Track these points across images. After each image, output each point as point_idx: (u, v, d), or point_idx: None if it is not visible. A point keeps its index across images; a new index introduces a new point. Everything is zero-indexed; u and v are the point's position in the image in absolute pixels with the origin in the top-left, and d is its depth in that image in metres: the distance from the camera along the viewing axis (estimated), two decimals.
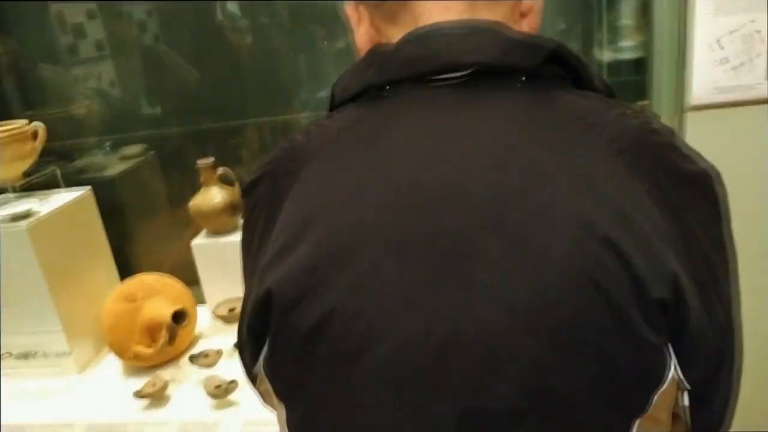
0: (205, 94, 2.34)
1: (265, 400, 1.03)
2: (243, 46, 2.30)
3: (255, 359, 0.75)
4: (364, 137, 0.71)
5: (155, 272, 2.07)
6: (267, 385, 0.77)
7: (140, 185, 2.46)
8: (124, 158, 2.48)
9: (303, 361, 0.66)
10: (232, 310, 1.97)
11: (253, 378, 0.87)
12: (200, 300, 2.13)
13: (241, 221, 2.12)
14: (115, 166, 2.43)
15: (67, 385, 1.86)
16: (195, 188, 2.51)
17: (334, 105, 0.80)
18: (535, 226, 0.60)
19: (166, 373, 1.94)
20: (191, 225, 2.51)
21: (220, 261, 2.04)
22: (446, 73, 0.69)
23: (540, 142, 0.65)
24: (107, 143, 2.46)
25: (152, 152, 2.48)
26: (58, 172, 2.11)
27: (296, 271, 0.65)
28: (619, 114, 0.67)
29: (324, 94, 2.30)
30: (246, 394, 1.74)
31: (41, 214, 1.88)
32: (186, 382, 1.87)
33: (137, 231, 2.48)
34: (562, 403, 0.59)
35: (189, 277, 2.15)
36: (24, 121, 1.99)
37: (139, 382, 1.89)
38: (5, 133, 1.91)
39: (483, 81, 0.69)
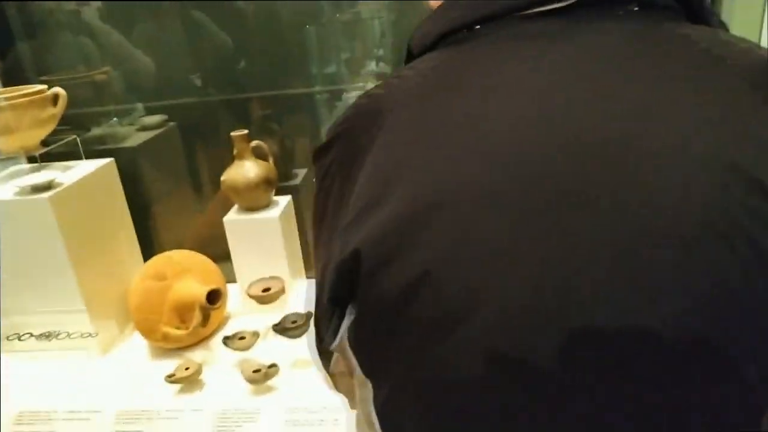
0: (234, 64, 2.20)
1: (337, 385, 0.95)
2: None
3: (335, 333, 0.68)
4: (451, 84, 0.63)
5: (184, 249, 1.95)
6: (348, 362, 0.71)
7: (161, 157, 2.32)
8: (144, 128, 2.35)
9: (392, 329, 0.59)
10: (266, 290, 1.85)
11: (327, 357, 0.81)
12: (229, 278, 2.02)
13: (275, 198, 2.03)
14: (134, 137, 2.30)
15: (91, 367, 1.74)
16: (219, 161, 2.41)
17: (412, 56, 0.72)
18: (662, 170, 0.50)
19: (196, 356, 1.84)
20: (216, 199, 2.40)
21: (253, 238, 1.92)
22: (543, 4, 0.61)
23: (661, 77, 0.56)
24: (131, 113, 2.32)
25: (172, 123, 2.34)
26: (79, 141, 1.97)
27: (385, 228, 0.58)
28: (746, 48, 0.58)
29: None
30: (286, 379, 1.64)
31: (64, 185, 1.75)
32: (219, 366, 1.76)
33: (158, 204, 2.35)
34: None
35: (213, 253, 2.03)
36: (43, 86, 1.85)
37: (168, 365, 1.78)
38: (24, 99, 1.77)
39: (587, 10, 0.60)
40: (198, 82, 2.24)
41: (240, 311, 2.00)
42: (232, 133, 1.88)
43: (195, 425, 1.55)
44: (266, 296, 1.83)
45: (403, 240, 0.57)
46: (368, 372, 0.67)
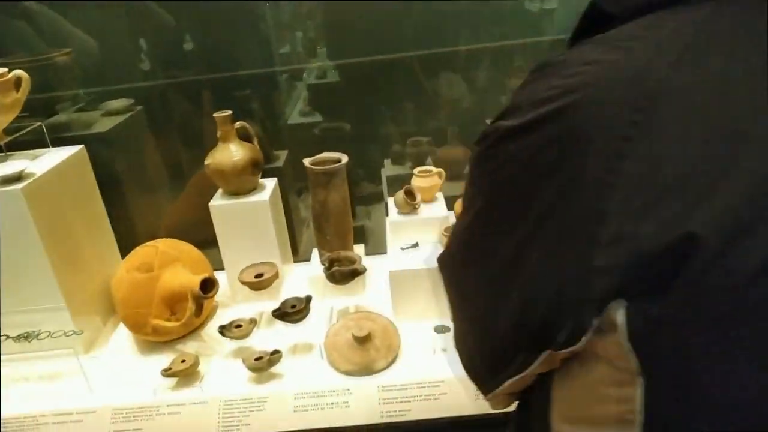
0: (195, 46, 2.09)
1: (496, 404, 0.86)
2: None
3: (573, 340, 0.59)
4: (724, 56, 0.56)
5: (169, 239, 1.86)
6: (527, 381, 0.68)
7: (131, 142, 2.20)
8: (110, 113, 2.21)
9: (733, 315, 0.52)
10: (259, 276, 1.79)
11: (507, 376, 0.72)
12: (214, 266, 1.94)
13: (261, 181, 1.95)
14: (101, 122, 2.16)
15: (77, 367, 1.64)
16: (190, 144, 2.30)
17: (606, 19, 0.66)
18: None
19: (188, 348, 1.77)
20: (189, 185, 2.30)
21: (241, 223, 1.85)
22: None
23: None
24: (88, 97, 2.18)
25: (139, 107, 2.21)
26: (44, 128, 1.84)
27: (730, 209, 0.52)
28: None
29: None
30: (290, 365, 1.60)
31: (36, 175, 1.63)
32: (217, 356, 1.70)
33: (131, 192, 2.24)
34: None
35: (191, 241, 1.94)
36: (3, 69, 1.71)
37: (161, 360, 1.70)
38: None
39: None
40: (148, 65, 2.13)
41: (229, 299, 1.94)
42: (215, 114, 1.79)
43: (199, 419, 1.49)
44: (260, 282, 1.77)
45: (752, 220, 0.52)
46: (660, 366, 0.57)
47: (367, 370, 1.55)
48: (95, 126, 2.14)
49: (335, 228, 1.86)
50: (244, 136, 1.86)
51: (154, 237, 2.30)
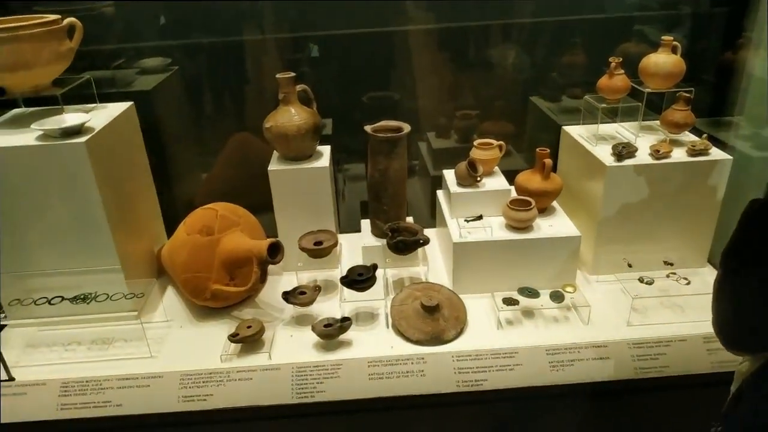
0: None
1: None
2: None
3: None
4: None
5: (225, 203, 1.80)
6: None
7: (173, 102, 2.12)
8: (145, 72, 2.12)
9: None
10: (318, 243, 1.76)
11: None
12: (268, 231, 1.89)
13: (321, 149, 1.90)
14: (141, 81, 2.07)
15: (139, 330, 1.59)
16: (230, 106, 2.23)
17: None
18: None
19: (245, 314, 1.73)
20: (227, 149, 2.23)
21: (300, 189, 1.80)
22: None
23: None
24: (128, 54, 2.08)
25: (175, 66, 2.13)
26: (92, 81, 1.75)
27: None
28: None
29: None
30: (356, 333, 1.58)
31: (96, 130, 1.56)
32: (278, 323, 1.67)
33: (172, 153, 2.16)
34: None
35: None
36: (56, 16, 1.61)
37: (219, 326, 1.67)
38: (42, 28, 1.54)
39: None
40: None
41: (279, 267, 1.89)
42: (279, 75, 1.73)
43: (272, 384, 1.46)
44: (321, 250, 1.74)
45: None
46: None
47: (437, 339, 1.55)
48: (136, 83, 2.05)
49: (393, 197, 1.83)
50: (303, 100, 1.81)
51: (192, 199, 2.25)
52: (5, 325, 1.63)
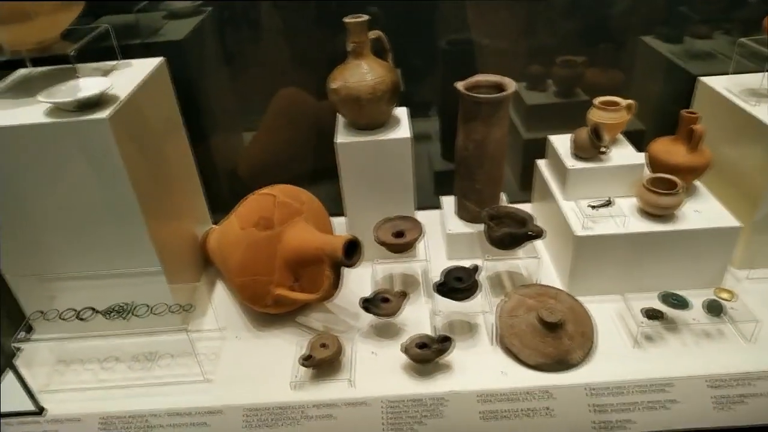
0: None
1: None
2: None
3: None
4: None
5: (284, 185, 1.45)
6: None
7: (208, 53, 1.74)
8: (175, 16, 1.73)
9: None
10: (399, 234, 1.41)
11: None
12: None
13: (397, 112, 1.52)
14: (168, 27, 1.68)
15: (184, 346, 1.29)
16: (273, 57, 1.83)
17: None
18: None
19: (311, 321, 1.42)
20: (269, 114, 1.86)
21: (373, 165, 1.45)
22: None
23: None
24: None
25: (208, 8, 1.72)
26: (112, 31, 1.38)
27: None
28: None
29: None
30: (458, 351, 1.25)
31: (120, 99, 1.20)
32: (355, 334, 1.35)
33: (210, 116, 1.79)
34: None
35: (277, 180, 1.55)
36: None
37: (283, 338, 1.37)
38: None
39: None
40: None
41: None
42: (347, 19, 1.33)
43: (358, 424, 1.17)
44: (402, 244, 1.40)
45: None
46: None
47: (561, 363, 1.22)
48: (164, 31, 1.66)
49: (489, 174, 1.46)
50: (378, 50, 1.42)
51: (234, 168, 1.91)
52: (20, 349, 1.34)
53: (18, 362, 1.37)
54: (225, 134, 1.90)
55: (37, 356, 1.37)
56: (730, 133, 1.45)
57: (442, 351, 1.22)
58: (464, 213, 1.55)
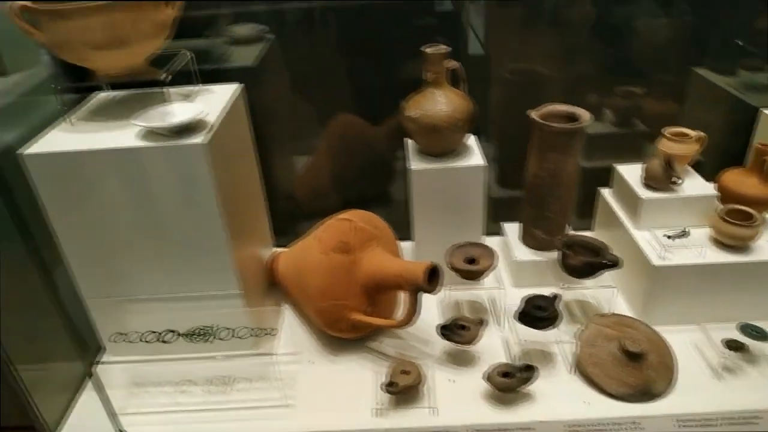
0: None
1: None
2: None
3: None
4: None
5: (358, 210, 1.46)
6: None
7: (276, 79, 1.76)
8: (238, 42, 1.76)
9: None
10: (471, 261, 1.42)
11: None
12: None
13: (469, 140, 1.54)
14: (236, 53, 1.72)
15: (260, 366, 1.29)
16: (331, 84, 1.86)
17: None
18: None
19: (384, 347, 1.42)
20: (325, 139, 1.88)
21: (446, 191, 1.46)
22: None
23: None
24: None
25: (271, 35, 1.76)
26: (192, 58, 1.40)
27: None
28: None
29: None
30: (539, 384, 1.25)
31: (212, 124, 1.22)
32: (429, 361, 1.35)
33: (276, 141, 1.82)
34: None
35: (323, 207, 1.58)
36: None
37: (359, 362, 1.37)
38: None
39: None
40: None
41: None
42: (427, 49, 1.36)
43: None
44: (476, 271, 1.41)
45: None
46: None
47: (645, 394, 1.22)
48: (233, 57, 1.69)
49: (561, 203, 1.48)
50: (456, 79, 1.44)
51: (290, 191, 1.93)
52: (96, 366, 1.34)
53: (90, 385, 1.38)
54: (282, 158, 1.92)
55: (111, 379, 1.36)
56: None
57: (527, 380, 1.22)
58: (531, 240, 1.55)
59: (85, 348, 1.44)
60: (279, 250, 1.64)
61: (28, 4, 1.15)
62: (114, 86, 1.47)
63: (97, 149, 1.14)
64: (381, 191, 1.98)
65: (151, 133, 1.19)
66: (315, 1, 1.70)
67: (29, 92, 1.38)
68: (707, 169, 1.56)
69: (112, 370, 1.37)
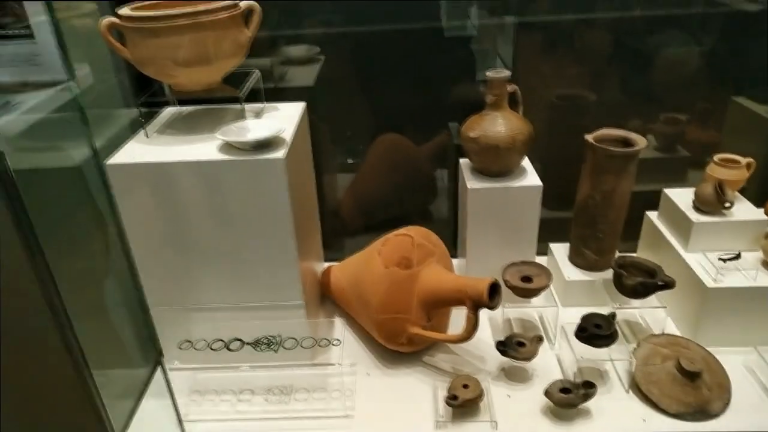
0: None
1: None
2: None
3: None
4: None
5: (416, 227, 1.50)
6: None
7: (330, 97, 1.82)
8: (290, 62, 1.83)
9: None
10: (527, 279, 1.46)
11: None
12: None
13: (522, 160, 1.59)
14: (295, 73, 1.78)
15: (317, 377, 1.32)
16: (382, 104, 1.92)
17: None
18: None
19: (438, 362, 1.45)
20: (370, 157, 1.93)
21: (500, 211, 1.50)
22: None
23: None
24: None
25: (322, 56, 1.82)
26: (261, 77, 1.46)
27: None
28: None
29: None
30: (596, 401, 1.27)
31: (287, 140, 1.27)
32: (485, 376, 1.37)
33: (325, 155, 1.87)
34: None
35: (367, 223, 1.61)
36: (233, 0, 1.31)
37: (415, 375, 1.40)
38: (225, 13, 1.24)
39: None
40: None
41: None
42: (490, 74, 1.42)
43: None
44: (533, 289, 1.44)
45: None
46: None
47: (702, 413, 1.25)
48: (290, 77, 1.75)
49: (613, 224, 1.51)
50: (515, 102, 1.49)
51: (336, 214, 1.97)
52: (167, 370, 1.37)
53: (151, 391, 1.41)
54: (330, 175, 1.97)
55: (172, 386, 1.39)
56: None
57: (588, 396, 1.25)
58: (580, 260, 1.59)
59: (146, 356, 1.48)
60: (335, 264, 1.68)
61: (118, 21, 1.22)
62: (181, 102, 1.53)
63: (182, 161, 1.19)
64: (424, 209, 2.03)
65: (228, 147, 1.24)
66: (362, 26, 1.77)
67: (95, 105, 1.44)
68: (749, 195, 1.60)
69: (173, 377, 1.40)
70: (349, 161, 2.01)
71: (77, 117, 1.26)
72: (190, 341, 1.32)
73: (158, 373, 1.47)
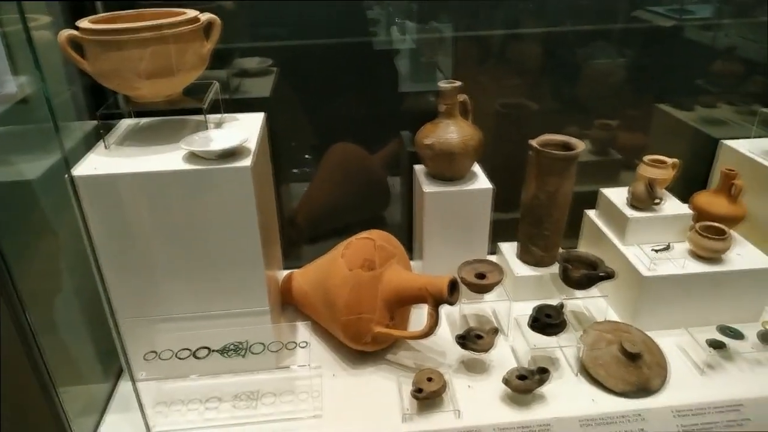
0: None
1: None
2: None
3: None
4: None
5: (376, 230, 1.56)
6: None
7: (285, 108, 1.86)
8: (245, 74, 1.86)
9: None
10: (480, 276, 1.55)
11: None
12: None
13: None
14: (246, 84, 1.81)
15: (283, 381, 1.36)
16: (329, 113, 1.97)
17: None
18: None
19: (400, 359, 1.51)
20: (324, 165, 1.98)
21: (454, 213, 1.59)
22: None
23: None
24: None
25: (274, 68, 1.87)
26: (219, 88, 1.49)
27: None
28: None
29: None
30: (549, 386, 1.37)
31: (252, 150, 1.30)
32: (446, 369, 1.45)
33: (281, 165, 1.90)
34: None
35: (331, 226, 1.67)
36: (194, 12, 1.34)
37: (380, 373, 1.45)
38: (187, 26, 1.27)
39: None
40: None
41: None
42: (442, 84, 1.51)
43: None
44: (484, 285, 1.53)
45: None
46: None
47: (644, 390, 1.37)
48: (246, 88, 1.78)
49: (557, 222, 1.63)
50: (465, 111, 1.59)
51: (293, 216, 2.00)
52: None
53: (114, 406, 1.40)
54: (286, 185, 2.00)
55: (133, 398, 1.39)
56: (756, 189, 1.68)
57: (543, 381, 1.34)
58: (528, 257, 1.70)
59: (106, 371, 1.46)
60: (296, 271, 1.71)
61: (78, 34, 1.22)
62: (137, 114, 1.54)
63: (148, 171, 1.20)
64: (378, 215, 2.10)
65: (193, 157, 1.26)
66: (311, 40, 1.83)
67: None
68: (675, 192, 1.76)
69: (139, 389, 1.40)
70: (306, 170, 2.05)
71: (35, 130, 1.26)
72: (155, 352, 1.32)
73: (121, 386, 1.45)
